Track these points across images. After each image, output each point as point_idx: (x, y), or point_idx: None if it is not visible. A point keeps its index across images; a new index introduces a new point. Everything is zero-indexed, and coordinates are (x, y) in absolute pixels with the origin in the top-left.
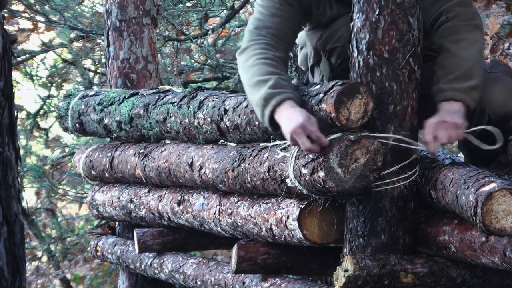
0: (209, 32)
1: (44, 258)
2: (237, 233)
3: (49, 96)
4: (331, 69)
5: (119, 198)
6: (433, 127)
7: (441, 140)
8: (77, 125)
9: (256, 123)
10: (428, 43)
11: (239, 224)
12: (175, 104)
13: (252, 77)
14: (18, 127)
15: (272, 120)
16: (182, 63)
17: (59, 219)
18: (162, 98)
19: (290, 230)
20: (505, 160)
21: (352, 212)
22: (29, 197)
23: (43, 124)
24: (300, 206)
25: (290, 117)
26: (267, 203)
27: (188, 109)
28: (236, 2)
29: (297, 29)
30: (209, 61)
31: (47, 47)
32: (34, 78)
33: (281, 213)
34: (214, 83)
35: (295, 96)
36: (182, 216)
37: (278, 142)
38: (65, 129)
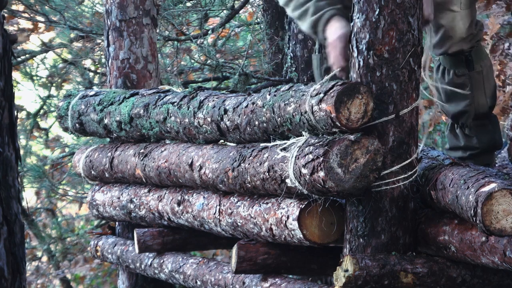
0: (209, 32)
1: (44, 258)
2: (237, 233)
3: (49, 96)
4: None
5: (119, 198)
6: None
7: None
8: (77, 125)
9: (256, 123)
10: None
11: (239, 224)
12: (175, 104)
13: None
14: (18, 127)
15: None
16: (182, 63)
17: (59, 219)
18: (162, 98)
19: (290, 230)
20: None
21: (352, 212)
22: (29, 197)
23: (43, 124)
24: (300, 206)
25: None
26: (267, 203)
27: (188, 109)
28: (236, 2)
29: None
30: (209, 61)
31: (47, 47)
32: (34, 78)
33: (281, 213)
34: (214, 83)
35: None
36: (182, 216)
37: (278, 142)
38: (65, 129)
